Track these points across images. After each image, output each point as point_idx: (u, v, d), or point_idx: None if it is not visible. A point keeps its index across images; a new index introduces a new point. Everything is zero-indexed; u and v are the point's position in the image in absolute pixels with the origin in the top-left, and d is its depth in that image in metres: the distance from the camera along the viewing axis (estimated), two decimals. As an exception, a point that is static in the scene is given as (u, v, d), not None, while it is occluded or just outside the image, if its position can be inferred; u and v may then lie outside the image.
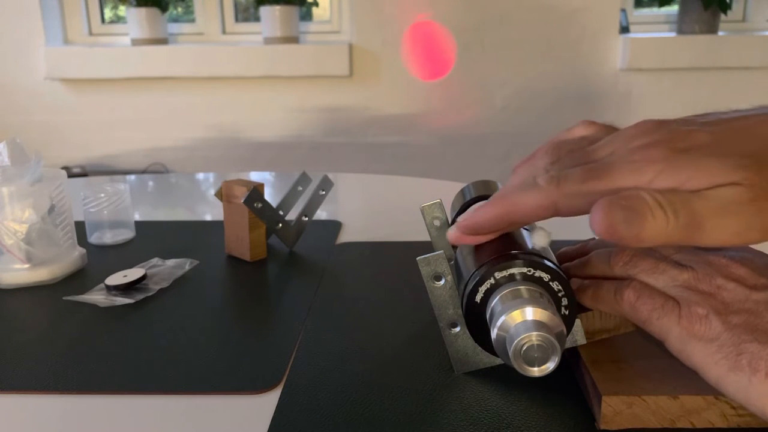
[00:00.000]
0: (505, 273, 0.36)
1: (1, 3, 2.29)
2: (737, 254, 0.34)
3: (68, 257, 0.60)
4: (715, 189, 0.29)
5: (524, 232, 0.40)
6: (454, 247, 0.49)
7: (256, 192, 0.60)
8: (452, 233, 0.38)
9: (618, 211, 0.29)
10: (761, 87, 2.27)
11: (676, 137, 0.31)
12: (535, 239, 0.38)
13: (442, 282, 0.39)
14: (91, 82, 2.36)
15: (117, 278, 0.56)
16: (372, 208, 0.89)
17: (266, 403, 0.39)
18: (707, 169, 0.29)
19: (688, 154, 0.30)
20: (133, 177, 1.15)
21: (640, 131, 0.32)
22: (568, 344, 0.38)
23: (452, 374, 0.41)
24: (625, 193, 0.30)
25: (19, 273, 0.57)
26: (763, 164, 0.29)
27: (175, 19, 2.52)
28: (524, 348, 0.32)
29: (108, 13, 2.51)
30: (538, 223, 0.39)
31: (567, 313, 0.36)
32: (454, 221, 0.49)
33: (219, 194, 0.64)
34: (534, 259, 0.36)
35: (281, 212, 0.65)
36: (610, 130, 0.36)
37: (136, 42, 2.34)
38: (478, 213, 0.36)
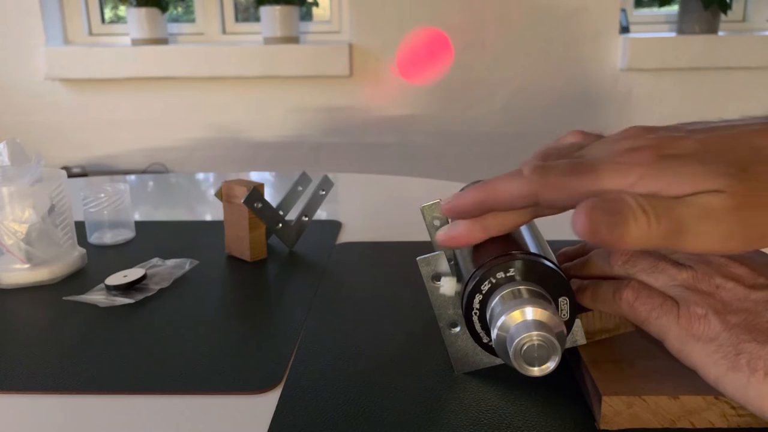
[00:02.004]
0: (504, 273, 0.36)
1: (1, 3, 2.30)
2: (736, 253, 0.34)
3: (68, 257, 0.60)
4: (697, 195, 0.29)
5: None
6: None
7: (256, 192, 0.60)
8: (439, 233, 0.38)
9: (600, 214, 0.29)
10: (761, 87, 2.27)
11: (662, 143, 0.31)
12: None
13: (442, 282, 0.39)
14: (91, 82, 2.36)
15: (117, 278, 0.56)
16: (372, 208, 0.89)
17: (266, 403, 0.39)
18: (691, 175, 0.29)
19: (673, 160, 0.30)
20: (133, 177, 1.15)
21: (627, 136, 0.33)
22: (568, 344, 0.38)
23: (452, 374, 0.41)
24: (608, 196, 0.30)
25: (19, 273, 0.57)
26: (747, 172, 0.29)
27: (175, 19, 2.52)
28: (524, 348, 0.32)
29: (108, 13, 2.52)
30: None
31: (567, 313, 0.36)
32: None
33: (219, 194, 0.64)
34: (534, 259, 0.36)
35: (281, 212, 0.65)
36: (600, 138, 0.36)
37: (136, 42, 2.34)
38: (459, 195, 0.36)
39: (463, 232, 0.37)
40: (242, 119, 2.38)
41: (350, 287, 0.57)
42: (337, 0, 2.37)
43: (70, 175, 1.03)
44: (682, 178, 0.29)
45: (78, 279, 0.59)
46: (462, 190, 0.49)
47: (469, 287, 0.36)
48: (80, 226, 0.68)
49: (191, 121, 2.39)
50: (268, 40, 2.31)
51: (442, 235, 0.38)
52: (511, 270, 0.36)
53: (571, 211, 0.37)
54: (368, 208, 0.89)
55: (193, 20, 2.46)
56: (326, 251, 0.66)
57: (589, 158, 0.33)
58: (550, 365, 0.32)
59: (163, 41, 2.36)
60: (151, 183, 1.10)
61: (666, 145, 0.31)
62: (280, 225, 0.64)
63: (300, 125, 2.37)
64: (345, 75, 2.27)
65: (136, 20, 2.31)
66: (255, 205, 0.61)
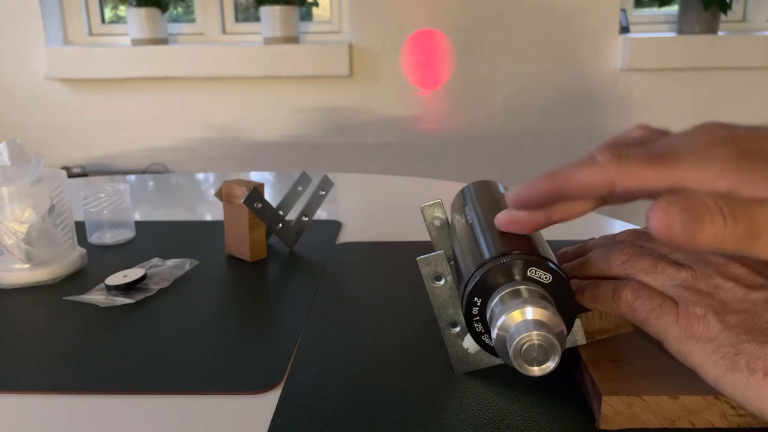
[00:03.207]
0: (504, 273, 0.36)
1: (1, 3, 2.29)
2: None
3: (68, 257, 0.60)
4: None
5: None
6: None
7: (256, 192, 0.60)
8: (501, 216, 0.37)
9: (677, 212, 0.28)
10: (761, 87, 2.27)
11: (744, 139, 0.30)
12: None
13: (442, 282, 0.39)
14: (91, 82, 2.36)
15: (117, 278, 0.56)
16: (372, 208, 0.89)
17: (266, 403, 0.39)
18: None
19: (755, 158, 0.29)
20: (133, 177, 1.15)
21: (707, 129, 0.32)
22: (568, 344, 0.38)
23: (452, 374, 0.41)
24: (686, 194, 0.29)
25: (19, 273, 0.57)
26: None
27: (175, 19, 2.52)
28: (524, 347, 0.32)
29: (108, 13, 2.51)
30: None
31: (566, 313, 0.36)
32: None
33: (219, 194, 0.64)
34: (534, 259, 0.36)
35: (281, 212, 0.65)
36: (666, 133, 0.35)
37: (136, 42, 2.34)
38: (529, 185, 0.35)
39: (526, 217, 0.36)
40: (242, 119, 2.38)
41: (350, 287, 0.57)
42: (337, 0, 2.37)
43: (70, 175, 1.02)
44: (763, 179, 0.28)
45: (78, 279, 0.59)
46: (466, 187, 0.49)
47: (469, 287, 0.36)
48: (80, 226, 0.68)
49: (191, 121, 2.39)
50: (268, 40, 2.30)
51: (503, 218, 0.37)
52: (511, 270, 0.36)
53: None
54: (368, 208, 0.89)
55: (193, 20, 2.46)
56: (326, 251, 0.66)
57: (668, 148, 0.31)
58: (550, 365, 0.32)
59: (163, 41, 2.36)
60: (151, 183, 1.10)
61: (748, 141, 0.30)
62: (280, 225, 0.64)
63: (300, 125, 2.37)
64: (345, 75, 2.27)
65: (136, 20, 2.31)
66: (255, 205, 0.61)
